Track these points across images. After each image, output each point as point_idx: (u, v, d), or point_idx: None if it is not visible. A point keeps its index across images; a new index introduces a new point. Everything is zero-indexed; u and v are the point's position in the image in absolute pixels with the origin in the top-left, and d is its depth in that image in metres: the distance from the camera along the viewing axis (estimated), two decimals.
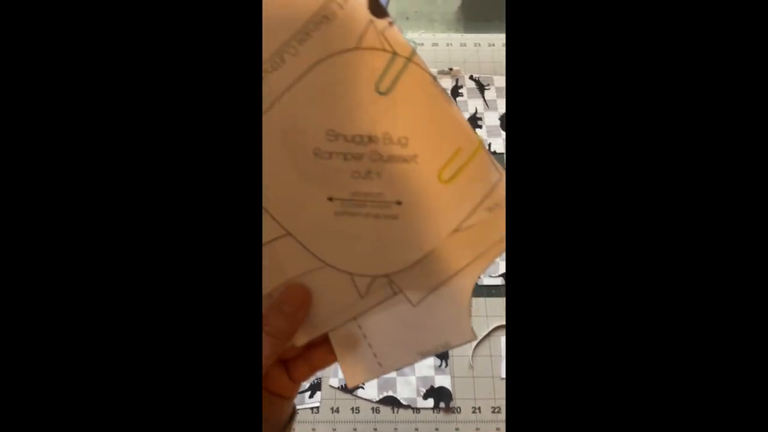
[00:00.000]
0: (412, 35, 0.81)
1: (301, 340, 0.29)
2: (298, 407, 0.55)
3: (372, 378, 0.30)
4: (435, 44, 0.79)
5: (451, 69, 0.75)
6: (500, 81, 0.74)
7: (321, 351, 0.30)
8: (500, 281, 0.62)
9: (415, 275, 0.28)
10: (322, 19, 0.24)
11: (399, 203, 0.27)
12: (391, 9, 1.20)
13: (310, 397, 0.56)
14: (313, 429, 0.54)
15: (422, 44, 0.79)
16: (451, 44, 0.79)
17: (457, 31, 1.03)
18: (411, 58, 0.25)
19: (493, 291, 0.62)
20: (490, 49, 0.78)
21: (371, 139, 0.26)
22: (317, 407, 0.55)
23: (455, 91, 0.74)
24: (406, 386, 0.57)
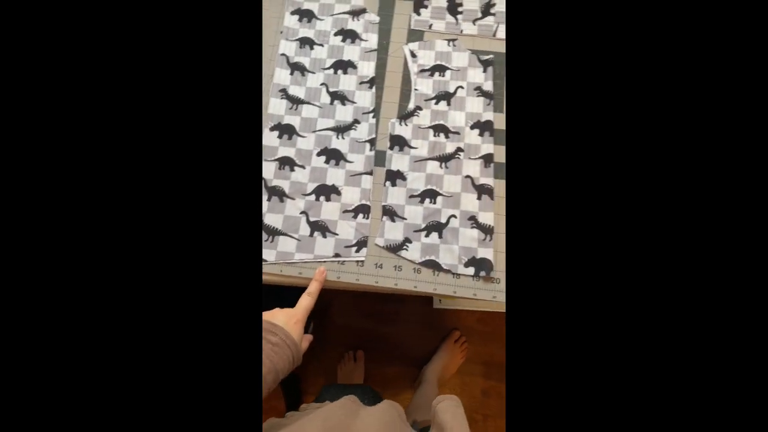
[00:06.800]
0: None
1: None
2: (344, 259, 0.58)
3: None
4: None
5: None
6: None
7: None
8: None
9: None
10: None
11: None
12: None
13: (357, 251, 0.58)
14: (357, 279, 0.57)
15: None
16: None
17: None
18: None
19: None
20: None
21: None
22: (362, 261, 0.58)
23: None
24: (449, 253, 0.58)
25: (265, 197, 0.61)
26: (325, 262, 0.58)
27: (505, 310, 1.23)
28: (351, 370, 1.23)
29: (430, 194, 0.61)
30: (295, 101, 0.66)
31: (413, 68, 0.67)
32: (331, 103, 0.66)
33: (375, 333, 1.27)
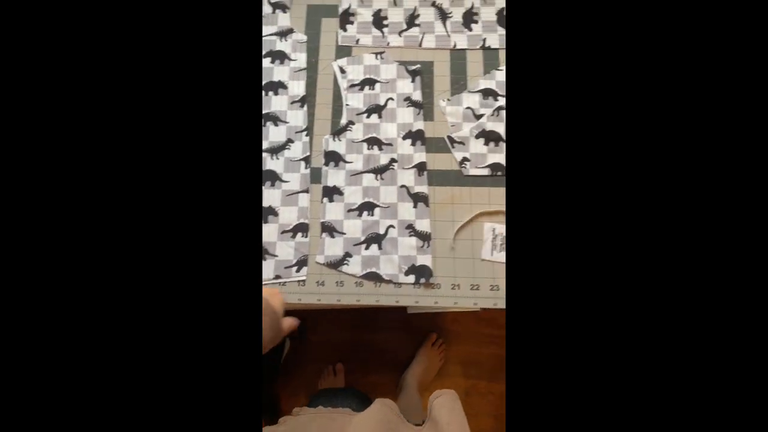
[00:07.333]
0: None
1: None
2: (285, 281, 0.58)
3: None
4: None
5: None
6: None
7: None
8: (486, 172, 0.63)
9: None
10: None
11: None
12: None
13: (297, 271, 0.59)
14: (299, 299, 0.58)
15: None
16: None
17: None
18: None
19: (478, 181, 0.62)
20: None
21: None
22: (303, 280, 0.58)
23: None
24: (389, 263, 0.59)
25: None
26: (266, 285, 0.58)
27: (479, 310, 1.21)
28: (331, 383, 1.22)
29: (368, 207, 0.62)
30: None
31: (343, 84, 0.68)
32: (264, 125, 0.66)
33: (353, 344, 1.27)
